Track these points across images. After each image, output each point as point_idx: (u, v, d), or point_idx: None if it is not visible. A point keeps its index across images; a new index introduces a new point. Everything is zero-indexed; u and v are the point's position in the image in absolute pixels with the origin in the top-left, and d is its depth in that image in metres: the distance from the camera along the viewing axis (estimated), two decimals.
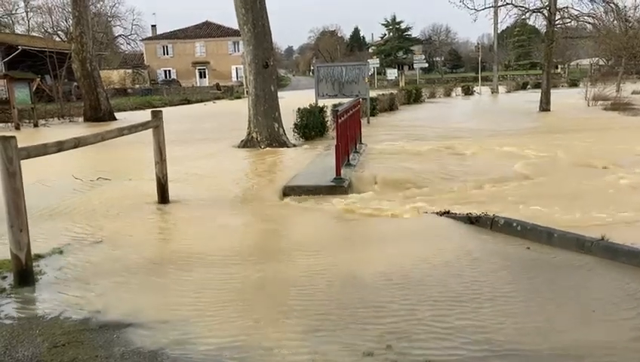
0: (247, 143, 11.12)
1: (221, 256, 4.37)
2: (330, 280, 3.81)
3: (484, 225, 5.02)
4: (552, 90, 19.78)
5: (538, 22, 22.34)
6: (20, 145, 3.72)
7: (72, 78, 25.22)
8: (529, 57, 64.79)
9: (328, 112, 12.58)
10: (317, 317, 3.21)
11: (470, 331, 3.00)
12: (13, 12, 48.38)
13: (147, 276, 4.01)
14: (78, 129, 16.63)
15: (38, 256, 4.26)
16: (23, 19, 51.02)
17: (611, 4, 19.22)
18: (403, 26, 75.86)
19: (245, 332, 3.06)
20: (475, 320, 3.13)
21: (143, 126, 6.05)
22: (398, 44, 74.88)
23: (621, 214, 5.32)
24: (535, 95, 22.87)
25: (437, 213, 5.47)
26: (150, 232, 5.25)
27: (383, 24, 77.33)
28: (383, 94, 21.68)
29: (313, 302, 3.46)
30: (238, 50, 53.59)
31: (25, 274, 3.81)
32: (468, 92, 34.60)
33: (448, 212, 5.45)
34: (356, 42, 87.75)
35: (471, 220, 5.14)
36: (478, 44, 55.58)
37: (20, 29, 48.85)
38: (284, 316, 3.25)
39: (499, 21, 29.62)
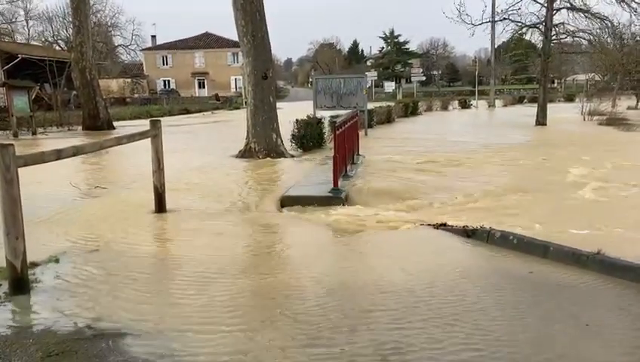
0: (246, 153, 11.15)
1: (217, 267, 4.35)
2: (323, 291, 3.80)
3: (480, 238, 5.03)
4: (548, 105, 19.94)
5: (534, 37, 22.53)
6: (17, 153, 3.73)
7: (71, 87, 25.32)
8: (526, 72, 65.11)
9: (326, 124, 12.66)
10: (311, 330, 3.21)
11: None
12: (14, 20, 48.57)
13: (142, 285, 3.99)
14: (77, 138, 16.64)
15: (34, 264, 4.24)
16: (23, 27, 51.30)
17: (606, 22, 19.41)
18: (401, 39, 76.35)
19: (239, 343, 3.05)
20: (468, 342, 3.14)
21: (141, 135, 6.06)
22: (396, 57, 75.25)
23: None
24: (531, 109, 23.03)
25: (433, 226, 5.47)
26: (146, 242, 5.24)
27: (381, 37, 77.74)
28: (380, 106, 21.80)
29: (307, 313, 3.45)
30: (237, 62, 53.87)
31: (20, 282, 3.79)
32: (465, 105, 34.76)
33: (444, 224, 5.46)
34: (354, 55, 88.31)
35: (467, 233, 5.15)
36: (475, 58, 56.11)
37: (20, 38, 49.04)
38: (279, 328, 3.24)
39: (496, 36, 29.94)
